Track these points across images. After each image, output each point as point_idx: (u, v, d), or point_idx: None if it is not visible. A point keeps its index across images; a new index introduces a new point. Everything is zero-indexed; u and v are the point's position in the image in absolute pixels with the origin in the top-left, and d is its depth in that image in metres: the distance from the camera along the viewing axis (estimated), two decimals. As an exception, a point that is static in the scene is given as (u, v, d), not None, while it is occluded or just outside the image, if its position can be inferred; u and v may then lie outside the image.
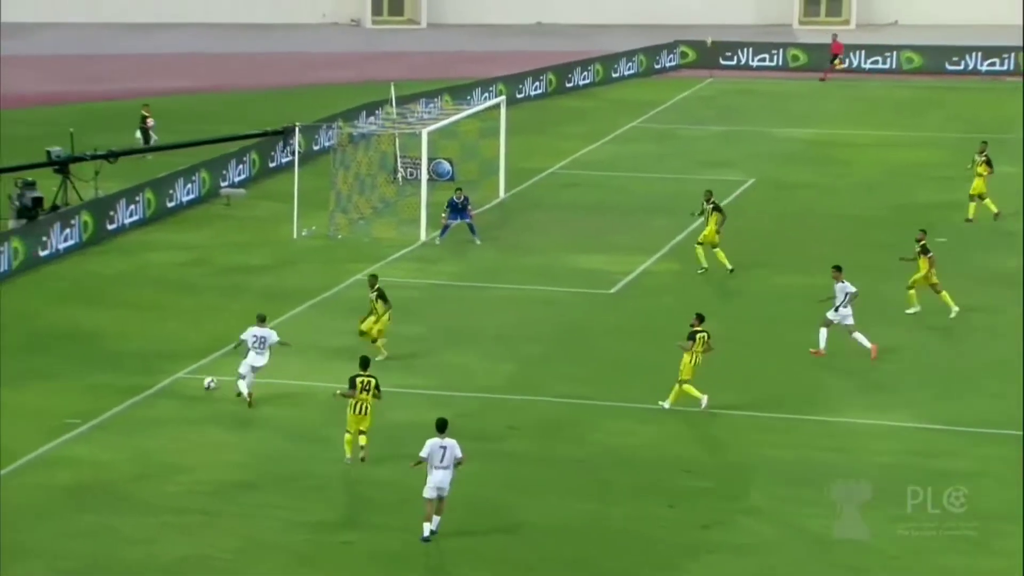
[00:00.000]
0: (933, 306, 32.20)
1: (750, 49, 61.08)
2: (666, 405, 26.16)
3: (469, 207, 36.81)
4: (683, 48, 61.53)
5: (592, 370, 28.16)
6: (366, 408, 23.94)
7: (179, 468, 23.95)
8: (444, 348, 29.60)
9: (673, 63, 61.25)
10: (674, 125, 51.43)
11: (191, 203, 40.15)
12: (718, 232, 34.06)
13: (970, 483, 23.03)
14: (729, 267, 33.92)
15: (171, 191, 39.67)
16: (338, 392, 24.23)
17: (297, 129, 40.66)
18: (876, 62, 60.78)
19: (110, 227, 37.28)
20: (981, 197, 38.42)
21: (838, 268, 29.14)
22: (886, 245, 36.80)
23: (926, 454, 24.57)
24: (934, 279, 31.05)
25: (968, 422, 25.89)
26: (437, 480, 21.40)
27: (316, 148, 44.71)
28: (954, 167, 43.54)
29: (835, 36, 60.58)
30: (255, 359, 26.14)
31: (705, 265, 33.99)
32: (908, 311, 31.10)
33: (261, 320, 26.60)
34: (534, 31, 69.75)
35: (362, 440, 24.10)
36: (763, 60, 60.97)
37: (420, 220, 37.26)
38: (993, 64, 60.08)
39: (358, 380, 23.91)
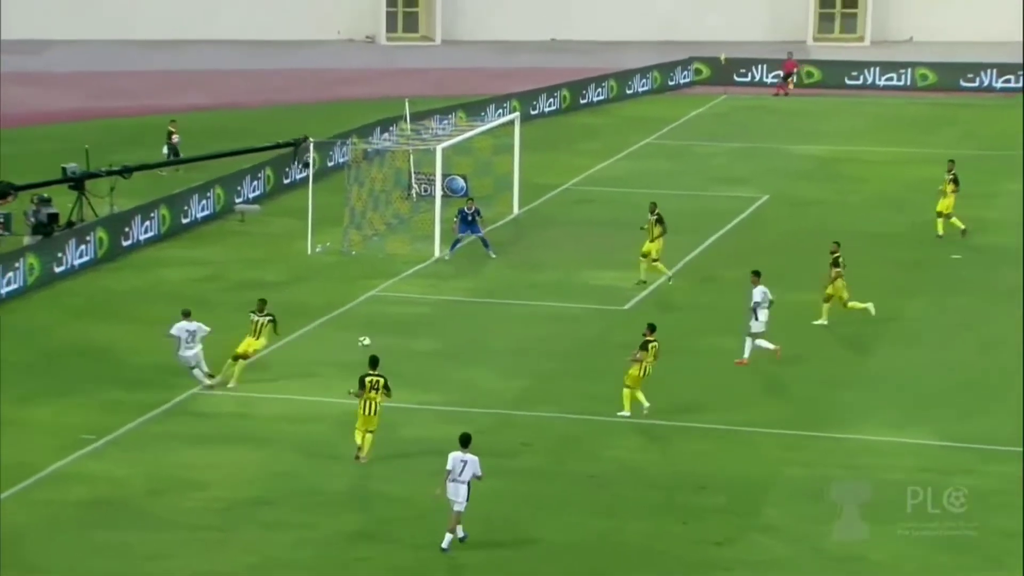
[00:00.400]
0: (945, 324, 32.16)
1: (764, 66, 61.11)
2: (626, 413, 26.54)
3: (479, 220, 36.88)
4: (697, 65, 61.58)
5: (606, 386, 28.12)
6: (375, 407, 24.45)
7: (194, 484, 23.99)
8: (458, 364, 29.61)
9: (687, 80, 61.30)
10: (688, 142, 51.46)
11: (206, 219, 40.26)
12: (652, 240, 34.32)
13: (986, 501, 22.98)
14: (642, 278, 34.14)
15: (186, 207, 39.80)
16: (350, 391, 24.64)
17: (310, 142, 40.72)
18: (891, 79, 60.76)
19: (125, 243, 37.39)
20: (947, 215, 38.31)
21: (756, 273, 29.66)
22: (902, 262, 36.81)
23: (940, 471, 24.49)
24: (828, 291, 31.38)
25: (983, 439, 25.81)
26: (452, 493, 21.59)
27: (330, 164, 44.82)
28: (968, 184, 43.49)
29: (790, 54, 60.29)
30: (186, 351, 27.41)
31: (669, 273, 34.34)
32: (870, 313, 31.37)
33: (187, 315, 27.74)
34: (548, 48, 69.87)
35: (367, 440, 24.54)
36: (777, 77, 60.94)
37: (434, 236, 37.32)
38: (1008, 81, 60.01)
39: (367, 380, 24.50)
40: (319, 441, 25.82)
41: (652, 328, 26.81)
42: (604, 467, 24.75)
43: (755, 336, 29.19)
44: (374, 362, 24.72)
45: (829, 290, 31.48)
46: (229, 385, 27.92)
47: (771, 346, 29.17)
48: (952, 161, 39.48)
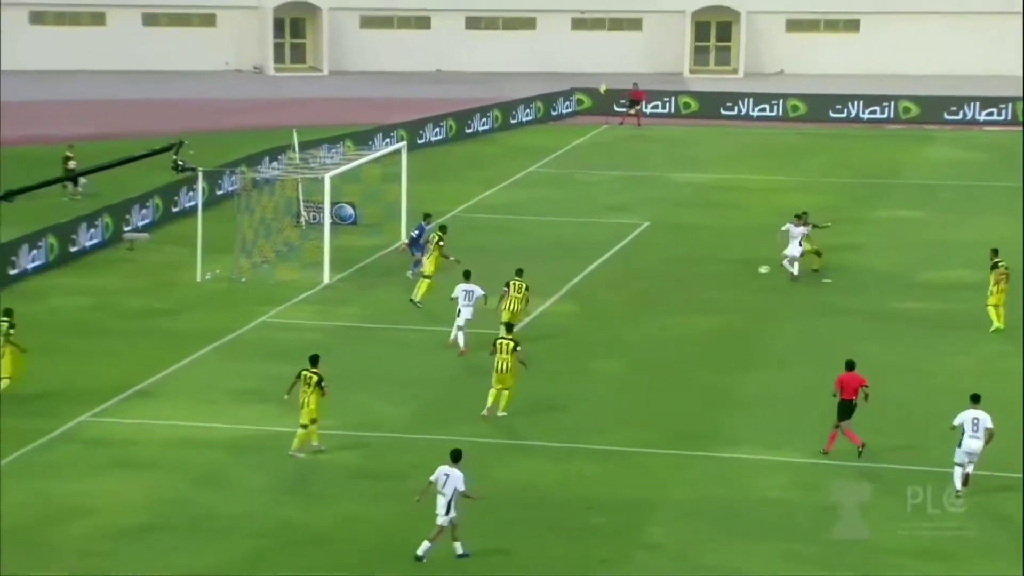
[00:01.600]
0: (817, 346, 32.62)
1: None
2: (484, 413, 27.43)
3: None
4: (579, 95, 62.03)
5: (493, 410, 28.10)
6: (309, 401, 25.56)
7: (82, 511, 23.50)
8: (349, 389, 29.38)
9: (569, 110, 61.70)
10: (571, 170, 51.75)
11: (94, 248, 39.58)
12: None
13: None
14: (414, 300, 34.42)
15: (74, 236, 39.08)
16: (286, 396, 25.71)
17: (187, 144, 39.50)
18: (764, 109, 61.70)
19: (12, 272, 36.61)
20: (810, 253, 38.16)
21: (465, 274, 31.63)
22: (774, 287, 37.29)
23: (814, 488, 24.79)
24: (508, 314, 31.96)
25: (851, 456, 26.09)
26: (438, 507, 21.87)
27: (220, 193, 44.34)
28: (838, 211, 44.24)
29: (635, 84, 60.76)
30: None
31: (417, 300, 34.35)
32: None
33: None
34: (434, 78, 69.91)
35: (298, 436, 25.67)
36: (656, 107, 61.59)
37: (323, 263, 37.09)
38: (874, 112, 61.26)
39: (303, 373, 25.64)
40: (210, 467, 25.44)
41: (508, 327, 28.22)
42: (494, 489, 24.68)
43: (460, 328, 30.86)
44: (314, 360, 25.67)
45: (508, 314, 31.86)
46: None
47: (461, 343, 30.70)
48: (805, 213, 38.59)
